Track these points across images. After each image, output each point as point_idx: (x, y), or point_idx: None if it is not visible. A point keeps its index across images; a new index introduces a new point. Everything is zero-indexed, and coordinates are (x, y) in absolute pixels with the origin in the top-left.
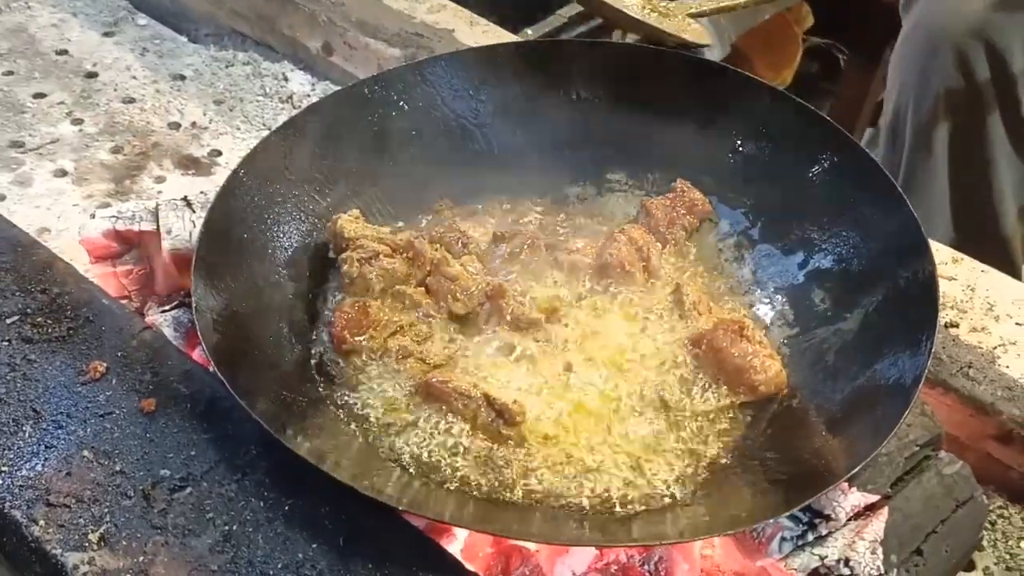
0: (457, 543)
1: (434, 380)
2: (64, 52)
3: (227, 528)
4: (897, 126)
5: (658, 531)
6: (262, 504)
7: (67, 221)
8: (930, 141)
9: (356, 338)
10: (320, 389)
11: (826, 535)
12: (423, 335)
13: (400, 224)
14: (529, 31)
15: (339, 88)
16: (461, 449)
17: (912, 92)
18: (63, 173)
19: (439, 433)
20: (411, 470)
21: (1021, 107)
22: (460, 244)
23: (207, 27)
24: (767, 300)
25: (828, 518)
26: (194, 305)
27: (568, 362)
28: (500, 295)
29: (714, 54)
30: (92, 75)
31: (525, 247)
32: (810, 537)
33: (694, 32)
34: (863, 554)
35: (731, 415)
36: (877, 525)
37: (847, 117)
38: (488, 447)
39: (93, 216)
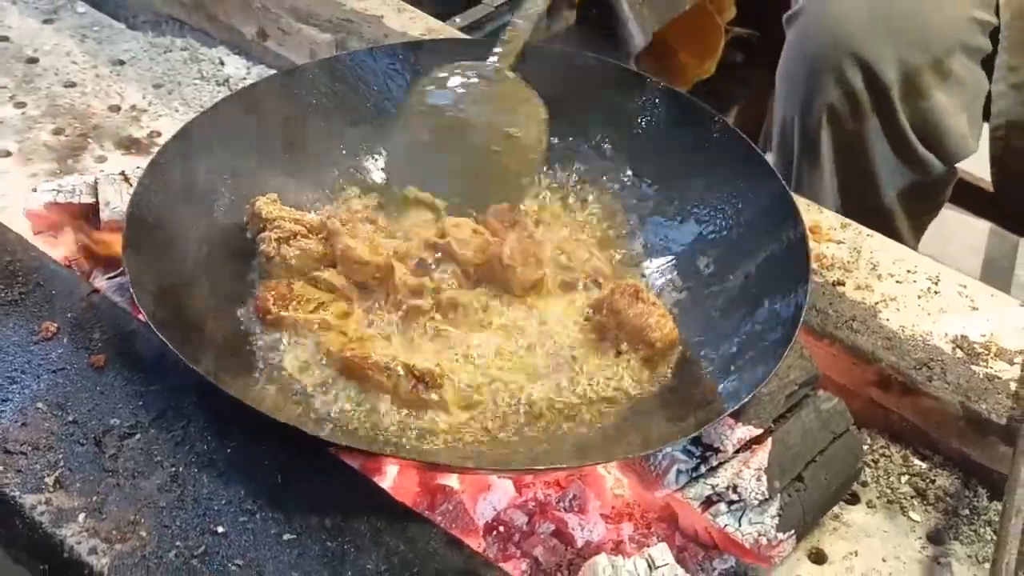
0: (386, 481)
1: (352, 356)
2: (5, 39)
3: (174, 470)
4: (785, 134)
5: (558, 461)
6: (206, 448)
7: (11, 198)
8: (816, 148)
9: (280, 311)
10: (246, 359)
11: (716, 466)
12: (343, 311)
13: (316, 207)
14: (457, 19)
15: (272, 73)
16: (383, 418)
17: (797, 106)
18: (7, 154)
19: (361, 403)
20: (338, 427)
21: (897, 114)
22: (368, 224)
23: (144, 14)
24: (658, 268)
25: (717, 451)
26: (129, 277)
27: (481, 331)
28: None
29: (636, 44)
30: (33, 60)
31: None
32: (703, 469)
33: None
34: (749, 481)
35: (631, 369)
36: (761, 455)
37: (760, 104)
38: (409, 414)
39: (35, 190)
